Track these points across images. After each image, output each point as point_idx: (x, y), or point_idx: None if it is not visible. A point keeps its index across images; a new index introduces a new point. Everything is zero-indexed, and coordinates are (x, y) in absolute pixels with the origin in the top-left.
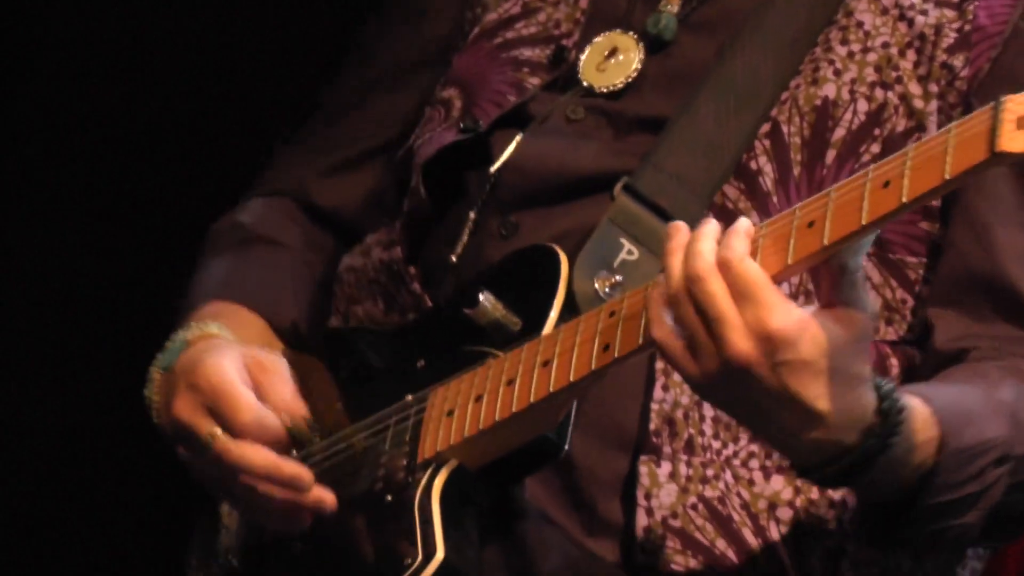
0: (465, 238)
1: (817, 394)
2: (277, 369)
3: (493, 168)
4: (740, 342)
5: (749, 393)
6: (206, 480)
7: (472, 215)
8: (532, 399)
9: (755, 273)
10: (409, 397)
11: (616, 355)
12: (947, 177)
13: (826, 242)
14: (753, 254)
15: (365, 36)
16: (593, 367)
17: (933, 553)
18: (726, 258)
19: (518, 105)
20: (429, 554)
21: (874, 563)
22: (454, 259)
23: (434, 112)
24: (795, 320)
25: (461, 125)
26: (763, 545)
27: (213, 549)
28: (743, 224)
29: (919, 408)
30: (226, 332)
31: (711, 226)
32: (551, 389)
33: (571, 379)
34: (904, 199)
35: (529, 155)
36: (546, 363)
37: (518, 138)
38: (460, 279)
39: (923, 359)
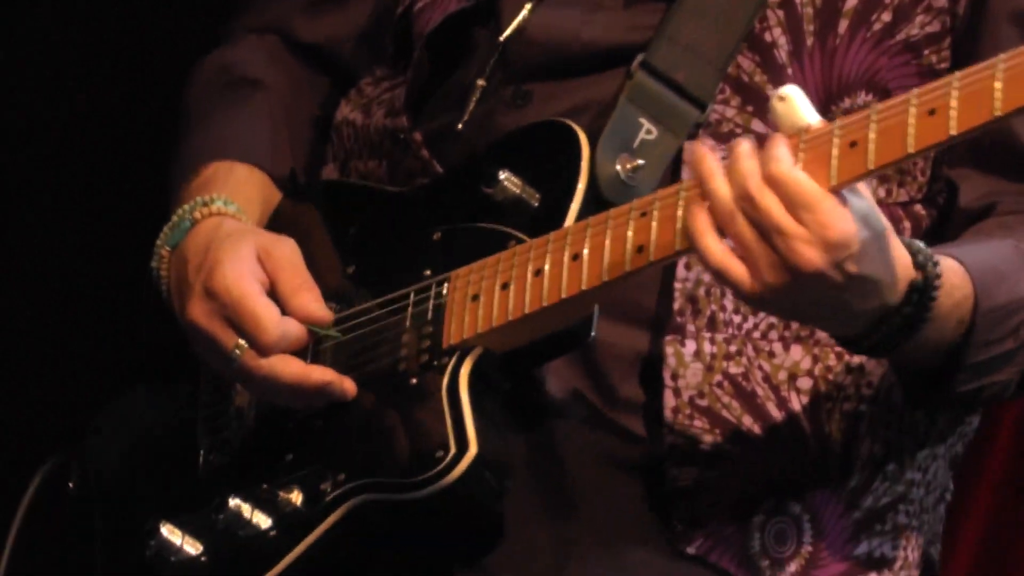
0: (472, 105)
1: (875, 268)
2: (289, 258)
3: (503, 36)
4: (807, 251)
5: (816, 295)
6: (220, 370)
7: (481, 82)
8: (564, 294)
9: (807, 183)
10: (427, 272)
11: (651, 258)
12: (997, 114)
13: (871, 166)
14: (796, 156)
15: None
16: (628, 268)
17: (968, 411)
18: (776, 172)
19: None
20: (463, 448)
21: (891, 424)
22: (461, 127)
23: None
24: (850, 219)
25: None
26: (785, 416)
27: (226, 395)
28: (781, 138)
29: (953, 265)
30: (230, 205)
31: (747, 145)
32: (583, 287)
33: (605, 278)
34: (953, 131)
35: (541, 25)
36: (576, 256)
37: (527, 6)
38: (471, 147)
39: (950, 219)
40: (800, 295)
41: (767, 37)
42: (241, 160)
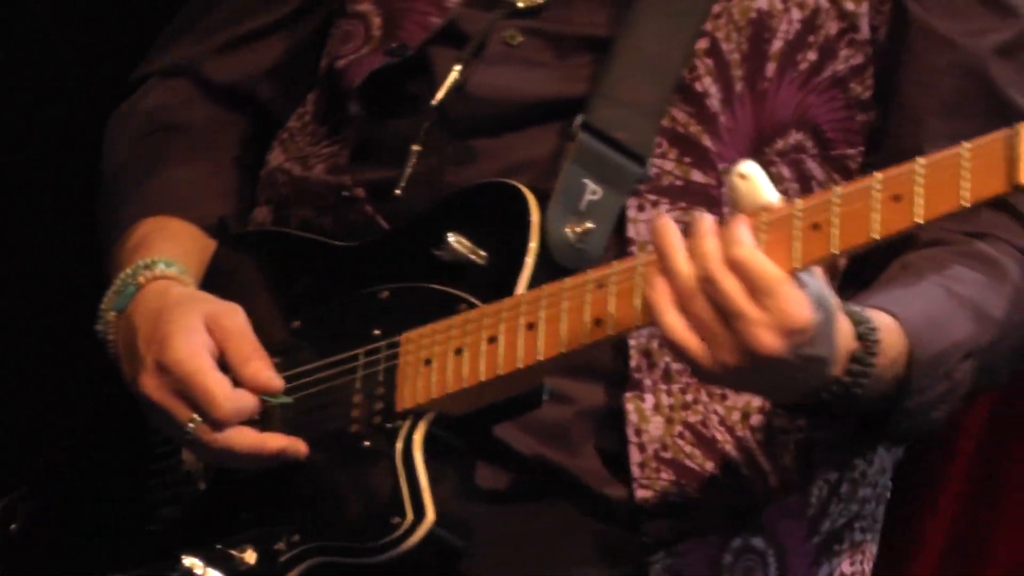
0: (414, 160)
1: (825, 348)
2: (238, 327)
3: (440, 95)
4: (767, 337)
5: (770, 376)
6: (173, 437)
7: (416, 147)
8: (520, 364)
9: (769, 268)
10: (376, 331)
11: (610, 332)
12: (964, 205)
13: (835, 251)
14: (757, 238)
15: None
16: (586, 341)
17: (903, 444)
18: (738, 256)
19: (446, 24)
20: (420, 515)
21: (842, 448)
22: (403, 184)
23: (351, 27)
24: (809, 305)
25: (386, 48)
26: (744, 455)
27: (177, 458)
28: (743, 220)
29: (889, 324)
30: (172, 266)
31: (708, 222)
32: (540, 357)
33: (563, 349)
34: (918, 220)
35: (476, 83)
36: (531, 326)
37: (458, 66)
38: (417, 203)
39: (875, 246)
40: (755, 375)
41: (698, 87)
42: (172, 214)
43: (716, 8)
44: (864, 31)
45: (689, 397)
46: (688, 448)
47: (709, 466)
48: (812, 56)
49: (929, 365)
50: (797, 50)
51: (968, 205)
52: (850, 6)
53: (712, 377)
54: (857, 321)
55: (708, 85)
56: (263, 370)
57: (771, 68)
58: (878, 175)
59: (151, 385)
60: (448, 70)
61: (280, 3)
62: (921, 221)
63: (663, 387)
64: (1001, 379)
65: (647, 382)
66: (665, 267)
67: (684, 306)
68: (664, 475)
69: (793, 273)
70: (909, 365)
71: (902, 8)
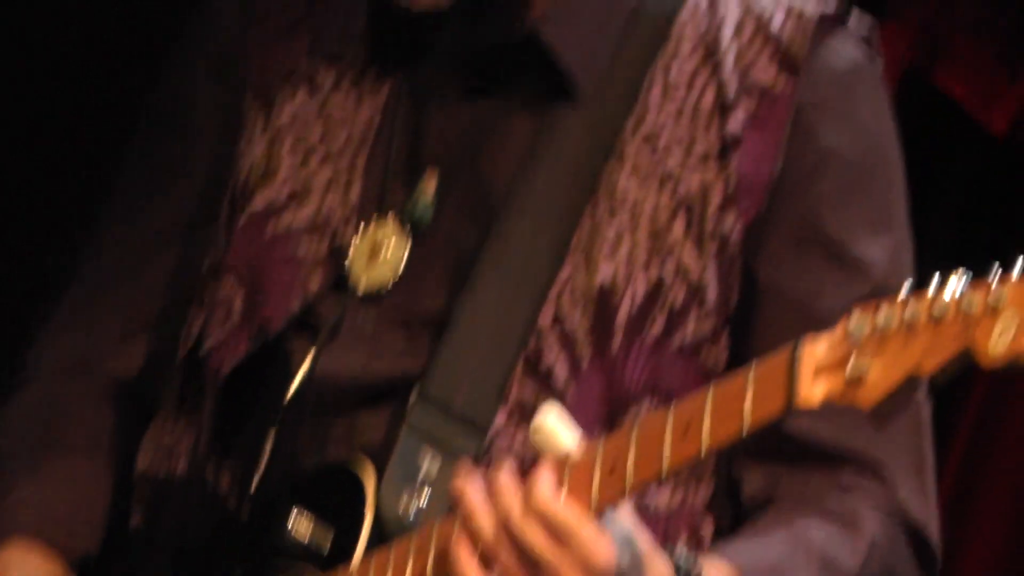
0: (270, 445)
1: None
2: None
3: (295, 384)
4: None
5: None
6: None
7: (275, 423)
8: None
9: (569, 513)
10: None
11: None
12: (744, 431)
13: (629, 489)
14: (559, 484)
15: (120, 198)
16: None
17: None
18: (539, 504)
19: (305, 309)
20: None
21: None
22: (262, 469)
23: (215, 308)
24: (611, 546)
25: (250, 334)
26: None
27: None
28: (544, 469)
29: (721, 567)
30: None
31: (505, 476)
32: None
33: None
34: (703, 450)
35: (327, 368)
36: None
37: (312, 352)
38: (271, 489)
39: (734, 514)
40: None
41: (545, 360)
42: (37, 536)
43: (556, 285)
44: (711, 300)
45: None
46: None
47: None
48: (659, 325)
49: None
50: (644, 318)
51: (747, 431)
52: (695, 276)
53: None
54: (678, 563)
55: (553, 359)
56: None
57: (617, 340)
58: (672, 407)
59: None
60: (303, 357)
61: (160, 293)
62: (705, 451)
63: None
64: None
65: None
66: (468, 528)
67: (491, 559)
68: None
69: (598, 514)
70: None
71: (751, 274)
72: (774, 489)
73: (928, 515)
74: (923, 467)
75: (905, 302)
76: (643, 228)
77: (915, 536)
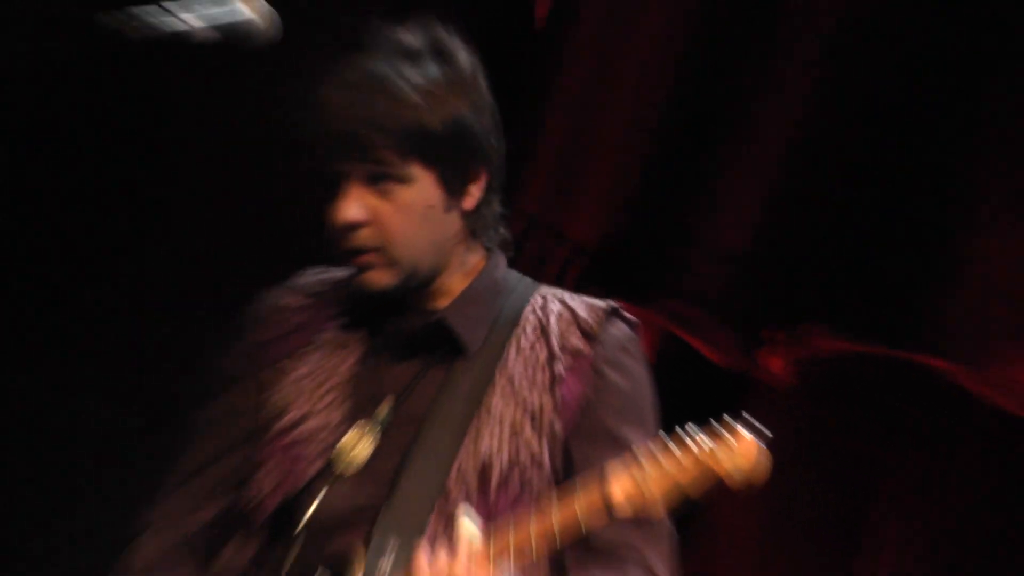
0: (295, 552)
1: None
2: None
3: (306, 516)
4: None
5: None
6: None
7: (298, 538)
8: None
9: (476, 571)
10: None
11: None
12: (584, 530)
13: (512, 558)
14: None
15: (201, 426)
16: None
17: None
18: (463, 567)
19: (305, 485)
20: None
21: None
22: (291, 561)
23: (262, 484)
24: None
25: (283, 494)
26: None
27: None
28: (460, 548)
29: None
30: None
31: (442, 553)
32: None
33: None
34: (558, 542)
35: (325, 506)
36: None
37: (316, 500)
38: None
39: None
40: None
41: (450, 503)
42: None
43: (457, 461)
44: (547, 469)
45: None
46: None
47: None
48: (516, 486)
49: None
50: (508, 483)
51: (584, 530)
52: (537, 457)
53: None
54: None
55: (458, 502)
56: None
57: (492, 493)
58: (533, 518)
59: None
60: (311, 504)
61: (226, 489)
62: (559, 542)
63: None
64: None
65: None
66: None
67: None
68: None
69: (488, 559)
70: None
71: (569, 454)
72: (577, 567)
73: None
74: (671, 554)
75: (663, 455)
76: (506, 429)
77: None
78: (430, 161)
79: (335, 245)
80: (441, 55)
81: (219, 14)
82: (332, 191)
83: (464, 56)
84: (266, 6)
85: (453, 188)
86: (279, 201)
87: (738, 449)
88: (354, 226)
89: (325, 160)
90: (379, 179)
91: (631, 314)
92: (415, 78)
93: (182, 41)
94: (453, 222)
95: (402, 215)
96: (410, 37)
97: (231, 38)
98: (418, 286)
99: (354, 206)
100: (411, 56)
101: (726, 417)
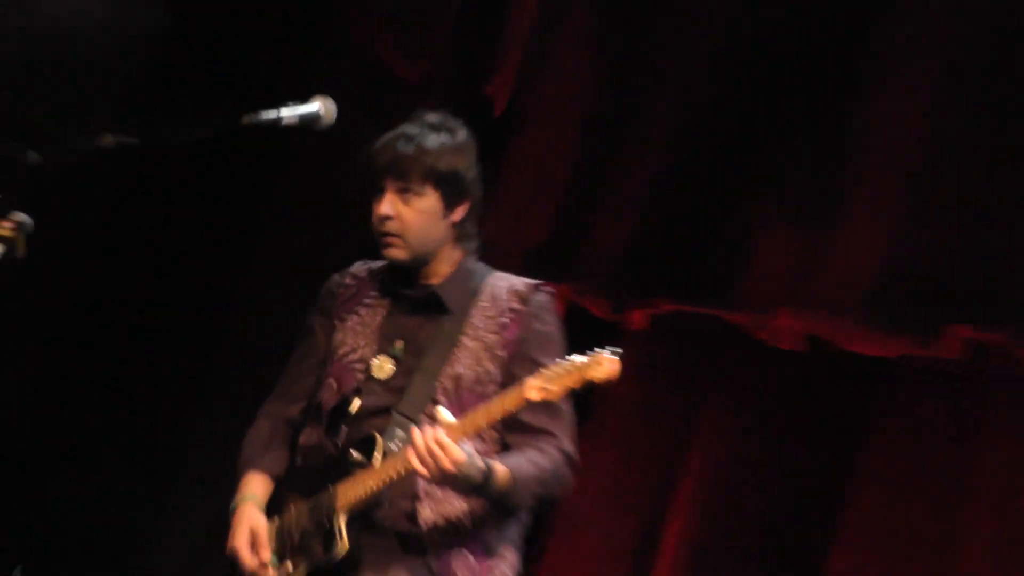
0: (344, 431)
1: (474, 471)
2: (257, 528)
3: (354, 409)
4: (448, 466)
5: (454, 480)
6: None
7: (347, 422)
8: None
9: (447, 440)
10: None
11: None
12: (514, 411)
13: (469, 435)
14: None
15: (295, 355)
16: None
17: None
18: (438, 436)
19: (356, 387)
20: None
21: (492, 515)
22: (343, 438)
23: (325, 390)
24: (464, 452)
25: (339, 395)
26: (445, 521)
27: None
28: (439, 426)
29: (498, 464)
30: (252, 496)
31: (428, 429)
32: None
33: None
34: (498, 419)
35: (363, 405)
36: None
37: (358, 400)
38: (347, 447)
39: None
40: (448, 481)
41: (439, 402)
42: (260, 472)
43: (442, 376)
44: (497, 380)
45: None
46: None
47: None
48: (479, 392)
49: (520, 484)
50: (475, 388)
51: (514, 412)
52: (492, 373)
53: (436, 482)
54: (486, 470)
55: (442, 402)
56: (262, 550)
57: (464, 394)
58: (484, 405)
59: (234, 538)
60: (354, 402)
61: (308, 392)
62: (499, 418)
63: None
64: (536, 501)
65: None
66: (414, 445)
67: (423, 459)
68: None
69: (457, 442)
70: (513, 481)
71: (510, 371)
72: (515, 444)
73: (574, 451)
74: (573, 434)
75: (562, 367)
76: (472, 358)
77: (570, 459)
78: (436, 186)
79: (375, 230)
80: (450, 130)
81: (301, 110)
82: (378, 197)
83: (463, 132)
84: (331, 103)
85: (448, 205)
86: (347, 220)
87: (604, 364)
88: (386, 218)
89: (377, 179)
90: (404, 191)
91: (549, 288)
92: (433, 140)
93: (279, 126)
94: (445, 227)
95: (415, 215)
96: (432, 117)
97: (306, 123)
98: (419, 264)
99: (387, 205)
100: (433, 128)
101: (598, 350)
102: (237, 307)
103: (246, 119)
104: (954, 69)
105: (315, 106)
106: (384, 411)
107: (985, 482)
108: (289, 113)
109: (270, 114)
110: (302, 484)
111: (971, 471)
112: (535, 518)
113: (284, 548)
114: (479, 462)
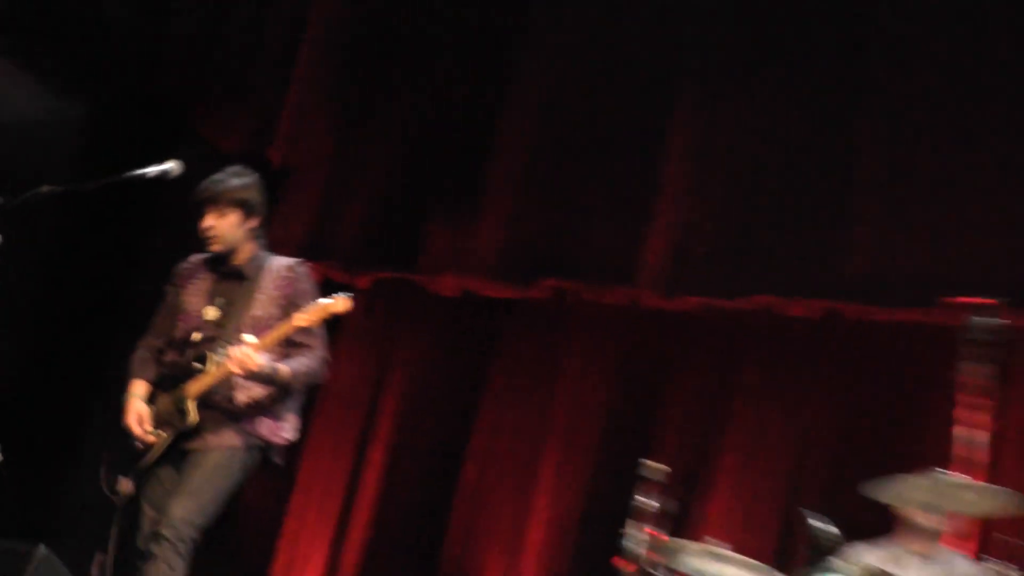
0: (191, 352)
1: (268, 368)
2: (141, 411)
3: (189, 346)
4: (252, 365)
5: (252, 376)
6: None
7: (194, 346)
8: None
9: (251, 350)
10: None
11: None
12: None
13: (267, 348)
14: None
15: (159, 310)
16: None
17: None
18: (247, 347)
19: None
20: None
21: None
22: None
23: (175, 333)
24: (264, 360)
25: (178, 338)
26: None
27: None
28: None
29: (283, 366)
30: (136, 393)
31: (243, 343)
32: None
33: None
34: (285, 335)
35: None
36: None
37: (200, 334)
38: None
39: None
40: (254, 376)
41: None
42: (138, 378)
43: (249, 319)
44: (276, 319)
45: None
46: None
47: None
48: (269, 326)
49: (296, 377)
50: (266, 324)
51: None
52: (274, 314)
53: (246, 378)
54: (276, 366)
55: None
56: (145, 419)
57: (263, 329)
58: (274, 328)
59: (124, 423)
60: (193, 335)
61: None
62: (285, 335)
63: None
64: (305, 387)
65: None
66: (232, 352)
67: (241, 364)
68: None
69: (257, 353)
70: (292, 375)
71: (289, 311)
72: (291, 353)
73: (328, 356)
74: (326, 346)
75: (314, 306)
76: (263, 306)
77: (325, 361)
78: (237, 208)
79: (202, 235)
80: (245, 175)
81: (161, 167)
82: (202, 215)
83: (253, 177)
84: (178, 163)
85: (246, 218)
86: (192, 226)
87: (340, 302)
88: (209, 228)
89: (202, 205)
90: (218, 212)
91: (307, 263)
92: (235, 181)
93: (147, 177)
94: (244, 231)
95: (225, 225)
96: (234, 168)
97: (163, 175)
98: (229, 253)
99: (209, 220)
100: (235, 174)
101: (338, 293)
102: (135, 296)
103: (127, 175)
104: (558, 103)
105: (168, 165)
106: (213, 339)
107: (566, 384)
108: (154, 169)
109: (143, 170)
110: (166, 384)
111: (556, 377)
112: (307, 397)
113: (158, 422)
114: (271, 364)
